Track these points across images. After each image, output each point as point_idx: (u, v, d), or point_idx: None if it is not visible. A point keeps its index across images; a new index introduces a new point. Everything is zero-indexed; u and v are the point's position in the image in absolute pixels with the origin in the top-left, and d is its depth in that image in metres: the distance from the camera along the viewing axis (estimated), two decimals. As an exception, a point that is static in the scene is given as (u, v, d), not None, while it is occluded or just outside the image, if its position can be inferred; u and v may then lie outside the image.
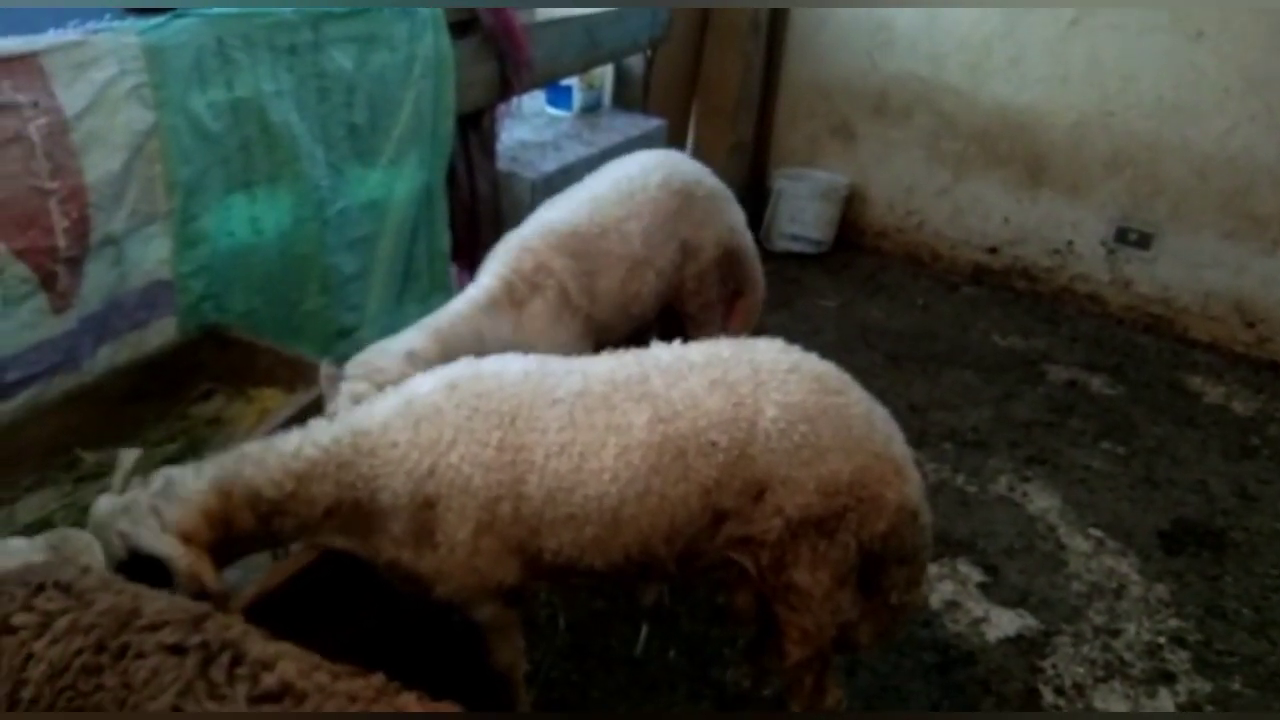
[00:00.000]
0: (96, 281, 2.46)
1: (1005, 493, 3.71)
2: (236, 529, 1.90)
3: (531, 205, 3.10)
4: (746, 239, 3.20)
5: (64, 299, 2.39)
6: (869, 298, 5.24)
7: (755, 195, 5.63)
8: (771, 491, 1.97)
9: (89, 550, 1.74)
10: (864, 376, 2.17)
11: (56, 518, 2.22)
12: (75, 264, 2.39)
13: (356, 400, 2.14)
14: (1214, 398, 4.45)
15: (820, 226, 5.59)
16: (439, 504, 1.93)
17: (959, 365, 4.58)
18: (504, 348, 2.18)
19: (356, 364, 2.29)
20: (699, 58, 5.38)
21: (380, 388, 2.14)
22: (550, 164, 3.98)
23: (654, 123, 4.65)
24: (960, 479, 3.76)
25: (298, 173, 2.89)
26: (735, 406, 1.96)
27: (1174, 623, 3.14)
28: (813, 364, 2.09)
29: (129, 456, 2.02)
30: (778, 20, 5.50)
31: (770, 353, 2.07)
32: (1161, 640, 3.07)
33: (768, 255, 4.82)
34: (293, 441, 1.95)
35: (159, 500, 1.82)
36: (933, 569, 3.22)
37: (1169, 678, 2.95)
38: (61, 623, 1.32)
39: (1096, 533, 3.51)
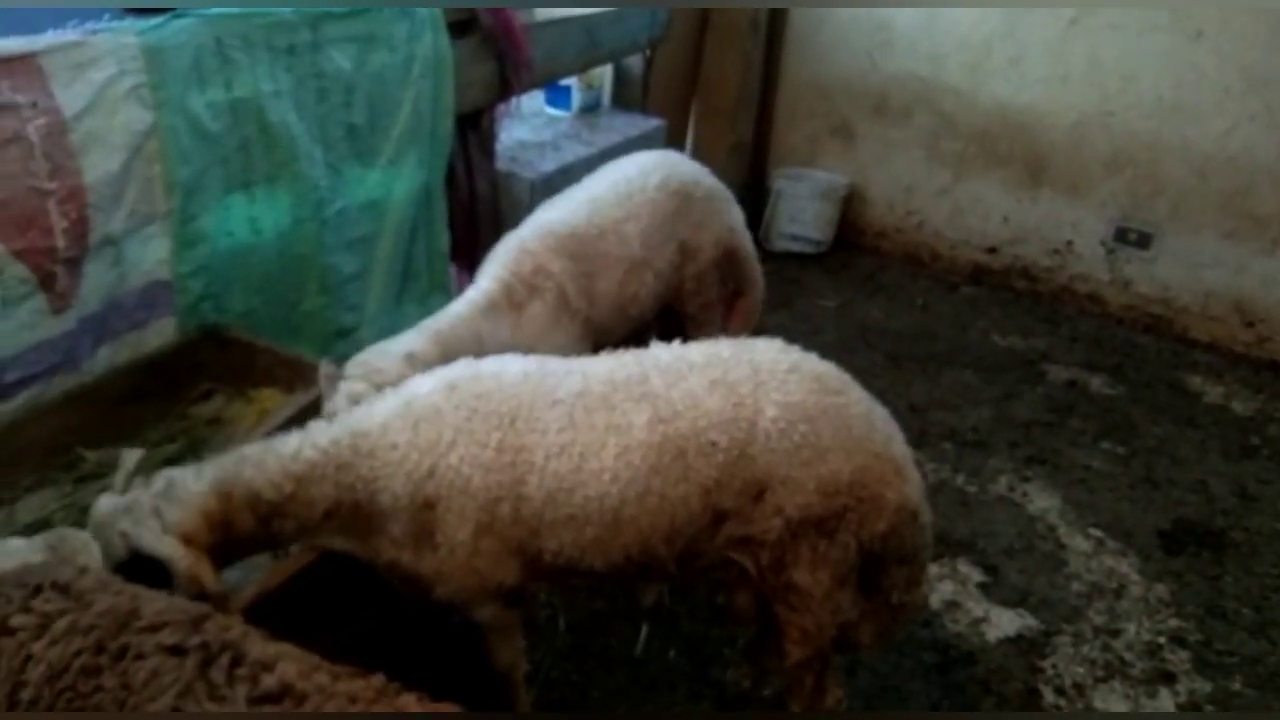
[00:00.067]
0: (96, 282, 2.46)
1: (1005, 493, 3.71)
2: (236, 531, 1.90)
3: (530, 205, 3.10)
4: (745, 239, 3.20)
5: (63, 299, 2.39)
6: (869, 298, 5.24)
7: (755, 195, 5.63)
8: (771, 491, 1.97)
9: (86, 550, 1.74)
10: (864, 376, 2.17)
11: (56, 518, 2.22)
12: (74, 264, 2.39)
13: (354, 400, 2.14)
14: (1214, 397, 4.45)
15: (820, 226, 5.59)
16: (439, 505, 1.93)
17: (959, 365, 4.58)
18: (503, 350, 2.18)
19: (355, 364, 2.29)
20: (698, 58, 5.38)
21: (379, 389, 2.14)
22: (549, 164, 3.97)
23: (653, 123, 4.65)
24: (960, 479, 3.76)
25: (296, 173, 2.89)
26: (735, 406, 1.96)
27: (1174, 623, 3.14)
28: (812, 364, 2.08)
29: (131, 457, 2.02)
30: (777, 20, 5.50)
31: (770, 353, 2.07)
32: (1162, 640, 3.07)
33: (767, 255, 4.83)
34: (292, 443, 1.95)
35: (160, 501, 1.82)
36: (933, 569, 3.22)
37: (1169, 678, 2.95)
38: (60, 624, 1.32)
39: (1096, 533, 3.51)
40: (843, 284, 5.38)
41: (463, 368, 2.08)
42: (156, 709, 1.24)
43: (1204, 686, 2.92)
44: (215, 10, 2.59)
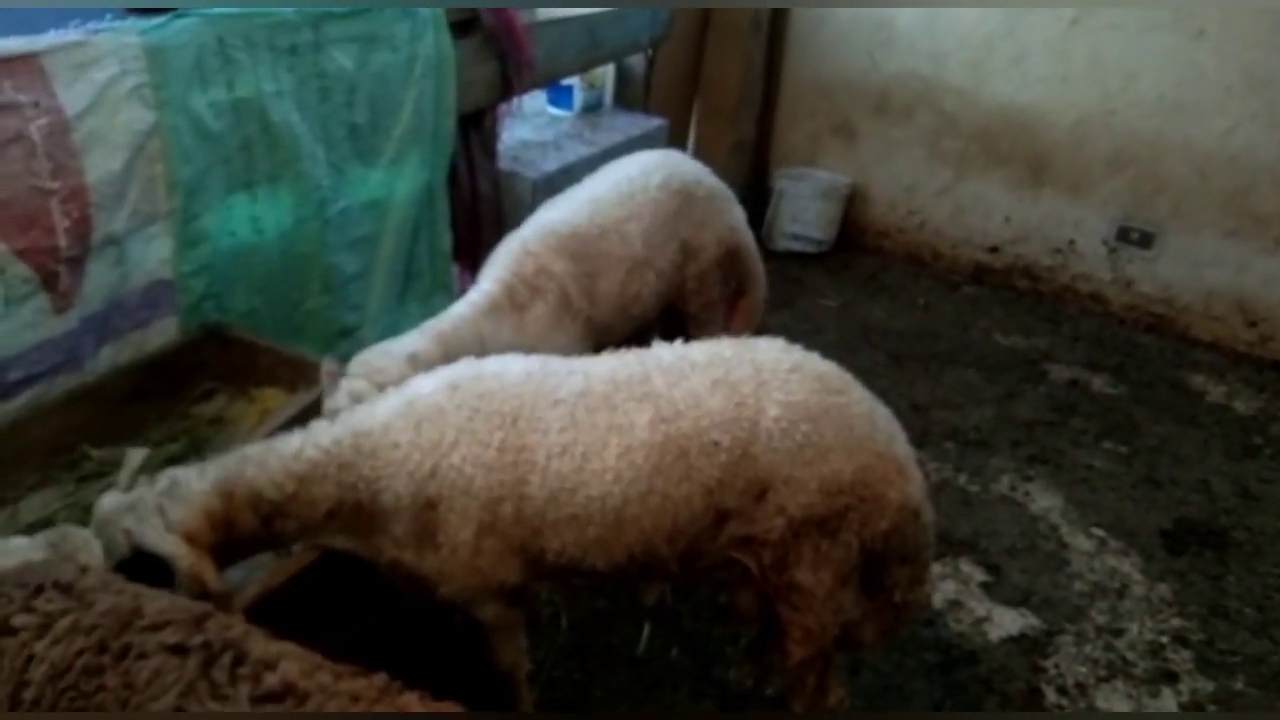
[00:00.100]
0: (98, 281, 2.46)
1: (1007, 492, 3.70)
2: (239, 530, 1.90)
3: (533, 205, 3.10)
4: (747, 238, 3.20)
5: (65, 299, 2.39)
6: (870, 297, 5.24)
7: (756, 195, 5.63)
8: (774, 491, 1.97)
9: (87, 547, 1.74)
10: (866, 376, 2.17)
11: (59, 517, 2.22)
12: (76, 264, 2.39)
13: (355, 398, 2.14)
14: (1216, 397, 4.44)
15: (821, 226, 5.58)
16: (441, 505, 1.93)
17: (961, 364, 4.58)
18: (505, 351, 2.18)
19: (358, 363, 2.29)
20: (700, 57, 5.38)
21: (380, 388, 2.14)
22: (551, 163, 3.98)
23: (655, 122, 4.65)
24: (962, 478, 3.76)
25: (299, 172, 2.89)
26: (737, 406, 1.96)
27: (1176, 622, 3.14)
28: (814, 363, 2.08)
29: (136, 456, 2.02)
30: (779, 19, 5.50)
31: (772, 352, 2.07)
32: (1164, 640, 3.07)
33: (769, 255, 4.82)
34: (294, 443, 1.95)
35: (163, 500, 1.82)
36: (935, 568, 3.21)
37: (1172, 677, 2.94)
38: (63, 623, 1.32)
39: (1099, 532, 3.51)
40: (844, 283, 5.37)
41: (465, 367, 2.08)
42: (159, 708, 1.24)
43: (1207, 686, 2.92)
44: (217, 10, 2.59)
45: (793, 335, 2.15)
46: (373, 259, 3.27)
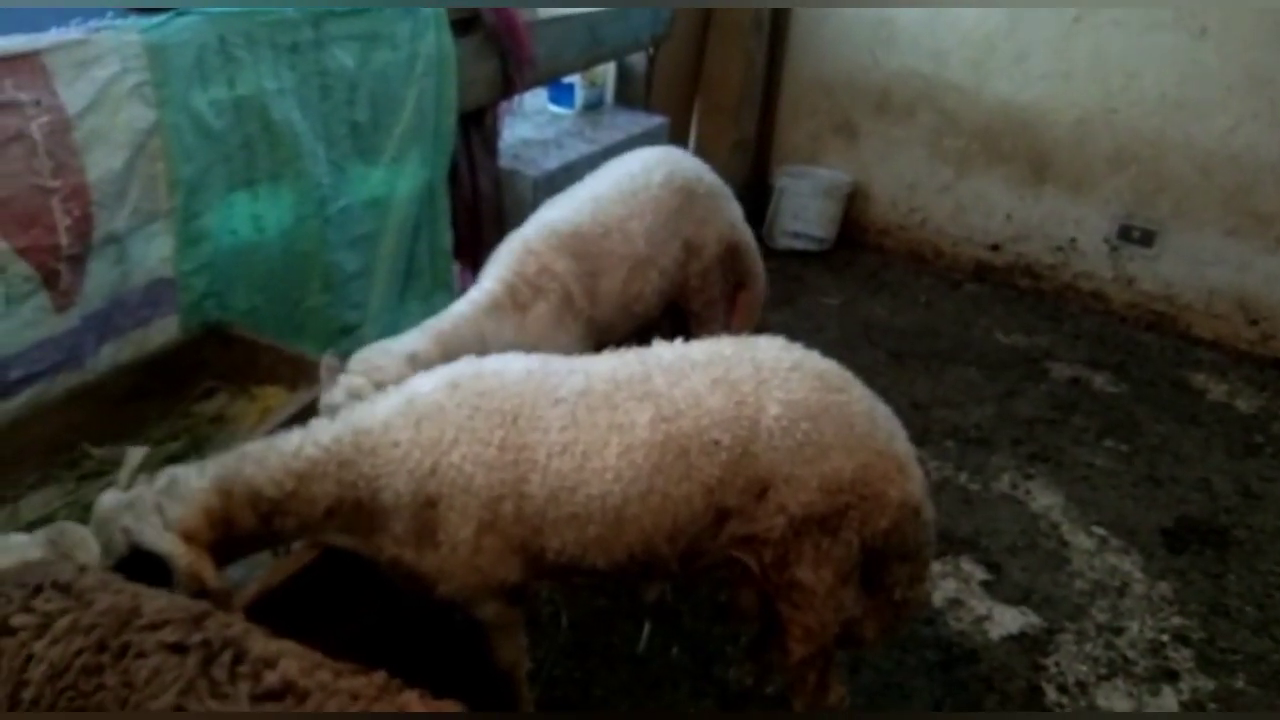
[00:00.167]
0: (99, 280, 2.46)
1: (1008, 490, 3.70)
2: (238, 528, 1.90)
3: (534, 203, 3.10)
4: (747, 233, 3.21)
5: (66, 297, 2.39)
6: (871, 295, 5.24)
7: (757, 193, 5.62)
8: (774, 489, 1.97)
9: (84, 544, 1.74)
10: (866, 374, 2.17)
11: (59, 515, 2.21)
12: (77, 262, 2.39)
13: (352, 394, 2.14)
14: (1217, 395, 4.44)
15: (823, 224, 5.58)
16: (441, 503, 1.93)
17: (962, 363, 4.58)
18: (506, 350, 2.18)
19: (358, 360, 2.29)
20: (701, 55, 5.37)
21: (378, 386, 2.14)
22: (552, 162, 3.97)
23: (656, 120, 4.64)
24: (963, 477, 3.76)
25: (300, 171, 2.89)
26: (738, 405, 1.96)
27: (1177, 620, 3.14)
28: (815, 362, 2.08)
29: (136, 454, 2.02)
30: (780, 17, 5.50)
31: (772, 351, 2.07)
32: (1165, 638, 3.07)
33: (770, 253, 4.83)
34: (294, 441, 1.95)
35: (162, 498, 1.82)
36: (935, 567, 3.21)
37: (1172, 676, 2.94)
38: (62, 623, 1.32)
39: (1099, 530, 3.51)
40: (846, 282, 5.37)
41: (465, 366, 2.07)
42: (159, 707, 1.24)
43: (1207, 684, 2.92)
44: (218, 8, 2.59)
45: (794, 333, 2.15)
46: (374, 257, 3.27)
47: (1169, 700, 2.87)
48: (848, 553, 2.04)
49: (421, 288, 3.49)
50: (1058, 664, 2.95)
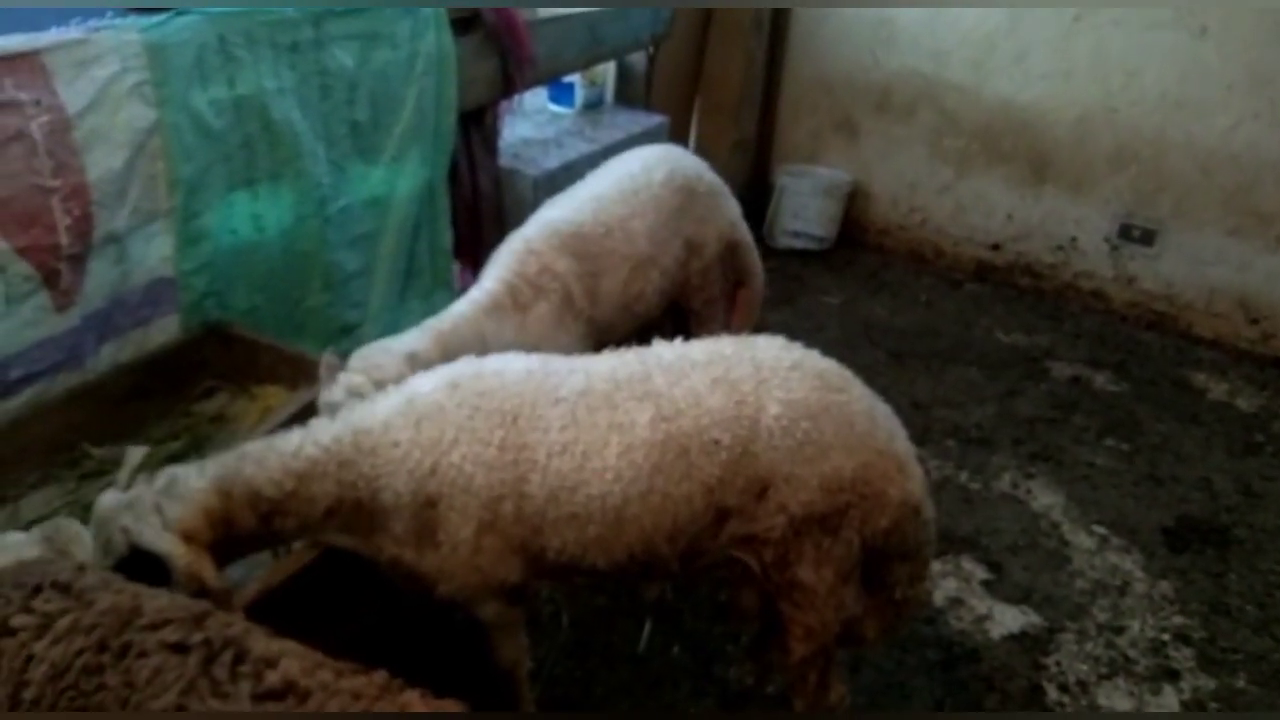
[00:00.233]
0: (99, 279, 2.46)
1: (1009, 490, 3.70)
2: (238, 528, 1.89)
3: (534, 202, 3.10)
4: (745, 231, 3.22)
5: (67, 297, 2.39)
6: (872, 295, 5.24)
7: (758, 192, 5.63)
8: (775, 489, 1.97)
9: (79, 540, 1.74)
10: (867, 374, 2.17)
11: (60, 515, 2.21)
12: (78, 262, 2.39)
13: (352, 392, 2.14)
14: (1218, 394, 4.44)
15: (823, 223, 5.58)
16: (441, 503, 1.93)
17: (962, 362, 4.57)
18: (507, 350, 2.17)
19: (358, 358, 2.28)
20: (701, 54, 5.37)
21: (378, 385, 2.14)
22: (552, 161, 3.97)
23: (656, 119, 4.64)
24: (963, 476, 3.76)
25: (300, 170, 2.89)
26: (738, 404, 1.96)
27: (1178, 620, 3.14)
28: (815, 361, 2.08)
29: (136, 454, 2.01)
30: (780, 17, 5.49)
31: (772, 350, 2.07)
32: (1166, 637, 3.07)
33: (770, 252, 4.84)
34: (293, 440, 1.95)
35: (162, 498, 1.82)
36: (936, 566, 3.21)
37: (1173, 675, 2.94)
38: (62, 623, 1.32)
39: (1100, 530, 3.51)
40: (846, 281, 5.37)
41: (465, 366, 2.07)
42: (160, 706, 1.24)
43: (1208, 684, 2.92)
44: (218, 8, 2.59)
45: (794, 333, 2.15)
46: (374, 257, 3.27)
47: (1170, 699, 2.87)
48: (848, 552, 2.04)
49: (422, 287, 3.49)
50: (1058, 663, 2.95)
